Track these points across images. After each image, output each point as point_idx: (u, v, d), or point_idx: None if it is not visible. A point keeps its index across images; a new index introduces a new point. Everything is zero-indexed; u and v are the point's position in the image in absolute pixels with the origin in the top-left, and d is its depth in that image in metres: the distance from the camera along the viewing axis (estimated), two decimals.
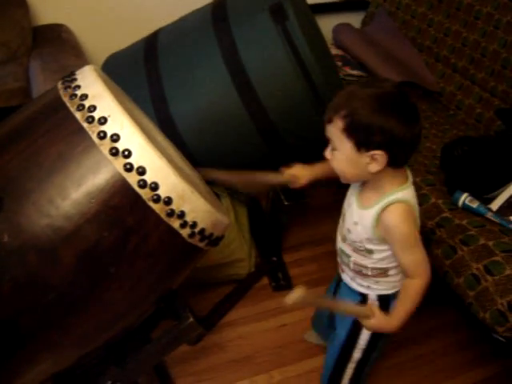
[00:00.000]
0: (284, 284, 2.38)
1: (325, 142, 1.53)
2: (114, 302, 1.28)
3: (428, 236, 1.92)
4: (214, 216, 1.33)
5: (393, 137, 1.26)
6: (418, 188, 2.00)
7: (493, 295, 1.67)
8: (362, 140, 1.29)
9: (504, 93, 2.50)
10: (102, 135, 1.18)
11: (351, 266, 1.53)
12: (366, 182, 1.41)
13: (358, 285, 1.56)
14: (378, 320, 1.45)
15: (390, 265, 1.47)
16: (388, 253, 1.44)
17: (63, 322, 1.26)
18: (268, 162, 2.15)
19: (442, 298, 2.18)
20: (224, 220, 1.39)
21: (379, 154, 1.28)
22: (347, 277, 1.60)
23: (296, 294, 1.34)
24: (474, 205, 1.94)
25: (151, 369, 1.85)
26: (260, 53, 1.84)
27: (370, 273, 1.50)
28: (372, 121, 1.26)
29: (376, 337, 1.58)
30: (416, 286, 1.41)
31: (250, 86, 1.84)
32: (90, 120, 1.19)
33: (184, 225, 1.26)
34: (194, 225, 1.28)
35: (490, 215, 1.92)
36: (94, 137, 1.18)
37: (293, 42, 1.82)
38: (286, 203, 2.14)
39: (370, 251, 1.45)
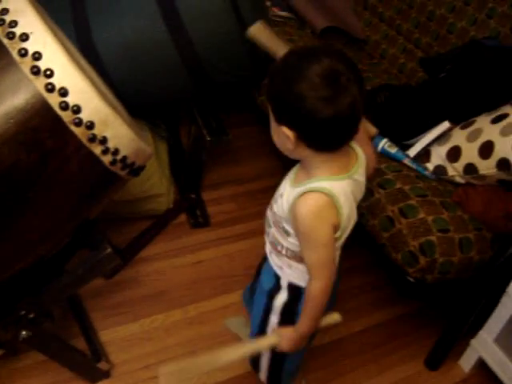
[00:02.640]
0: (202, 221, 2.38)
1: (251, 77, 1.52)
2: (31, 227, 1.25)
3: None
4: (137, 144, 1.30)
5: (300, 113, 1.07)
6: None
7: (406, 237, 1.73)
8: (274, 111, 1.14)
9: (427, 45, 2.54)
10: (23, 52, 1.12)
11: (270, 237, 1.38)
12: (301, 160, 1.25)
13: (273, 261, 1.40)
14: (288, 339, 1.33)
15: None
16: None
17: None
18: (193, 98, 2.13)
19: (355, 240, 2.24)
20: (146, 149, 1.37)
21: (286, 130, 1.11)
22: (267, 249, 1.43)
23: None
24: (393, 150, 1.98)
25: (65, 301, 1.83)
26: None
27: (284, 252, 1.33)
28: (281, 91, 1.09)
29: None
30: (315, 289, 1.25)
31: (176, 16, 1.79)
32: (11, 36, 1.13)
33: (106, 151, 1.23)
34: (116, 152, 1.25)
35: (407, 161, 1.97)
36: (15, 54, 1.12)
37: None
38: (208, 139, 2.12)
39: (287, 232, 1.28)
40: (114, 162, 1.26)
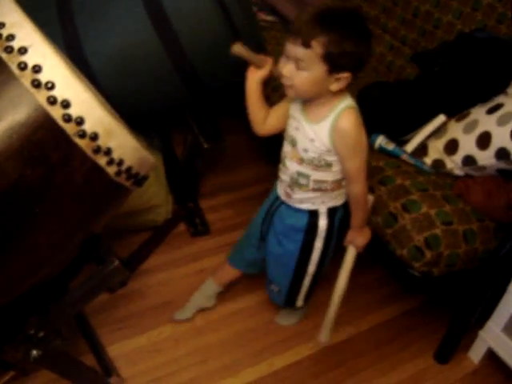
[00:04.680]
0: (201, 229, 2.38)
1: (242, 85, 1.53)
2: (38, 243, 1.23)
3: None
4: (141, 154, 1.29)
5: (361, 60, 1.42)
6: None
7: (410, 232, 1.73)
8: (337, 65, 1.39)
9: (414, 41, 2.56)
10: (23, 66, 1.10)
11: (311, 185, 1.62)
12: (315, 99, 1.50)
13: (309, 203, 1.67)
14: (360, 236, 1.69)
15: None
16: None
17: None
18: (187, 105, 2.12)
19: None
20: (150, 158, 1.36)
21: (347, 75, 1.41)
22: (295, 200, 1.69)
23: None
24: (390, 147, 1.99)
25: (73, 317, 1.81)
26: None
27: (330, 187, 1.62)
28: (349, 49, 1.36)
29: (326, 248, 1.76)
30: (360, 189, 1.57)
31: (167, 23, 1.79)
32: (9, 50, 1.11)
33: (111, 162, 1.21)
34: (121, 162, 1.23)
35: (405, 157, 1.97)
36: (14, 68, 1.10)
37: None
38: (205, 146, 2.11)
39: (329, 164, 1.55)
40: (119, 173, 1.24)
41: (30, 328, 1.46)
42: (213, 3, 1.78)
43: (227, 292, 2.11)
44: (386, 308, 2.17)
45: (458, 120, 1.94)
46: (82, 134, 1.14)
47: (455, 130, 1.92)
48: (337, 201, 1.68)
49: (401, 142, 2.02)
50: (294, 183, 1.65)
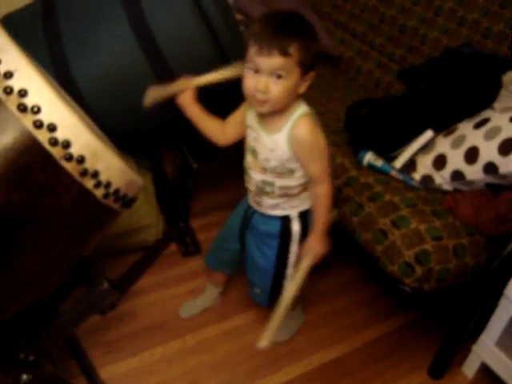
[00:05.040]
0: (193, 249, 2.37)
1: (229, 104, 1.54)
2: (26, 268, 1.22)
3: (335, 195, 1.95)
4: (129, 175, 1.29)
5: (319, 57, 1.49)
6: None
7: (400, 248, 1.74)
8: (308, 67, 1.45)
9: (402, 57, 2.58)
10: (9, 90, 1.10)
11: (277, 192, 1.64)
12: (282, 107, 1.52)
13: (280, 210, 1.69)
14: (318, 242, 1.62)
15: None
16: None
17: None
18: (176, 127, 2.12)
19: (349, 255, 2.25)
20: (138, 180, 1.35)
21: (312, 75, 1.48)
22: (266, 207, 1.71)
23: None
24: (379, 163, 2.00)
25: (64, 340, 1.79)
26: (166, 11, 1.78)
27: (295, 191, 1.64)
28: (315, 48, 1.45)
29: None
30: (325, 189, 1.58)
31: (155, 46, 1.79)
32: None
33: (98, 185, 1.21)
34: (109, 185, 1.23)
35: (394, 173, 1.98)
36: (0, 92, 1.10)
37: (200, 3, 1.78)
38: (194, 166, 2.11)
39: (292, 171, 1.58)
40: (106, 196, 1.24)
41: (21, 352, 1.45)
42: (199, 23, 1.78)
43: (218, 310, 2.11)
44: (379, 324, 2.16)
45: (446, 135, 1.95)
46: (69, 157, 1.14)
47: (443, 145, 1.93)
48: (307, 203, 1.69)
49: (389, 158, 2.02)
50: (261, 191, 1.67)
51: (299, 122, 1.51)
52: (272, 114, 1.51)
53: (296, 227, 1.71)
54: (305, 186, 1.64)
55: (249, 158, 1.65)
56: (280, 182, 1.62)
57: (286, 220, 1.71)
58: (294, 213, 1.70)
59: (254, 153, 1.61)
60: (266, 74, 1.41)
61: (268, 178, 1.62)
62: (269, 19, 1.44)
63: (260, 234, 1.78)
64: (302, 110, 1.52)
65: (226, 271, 2.06)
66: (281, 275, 1.80)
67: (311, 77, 1.48)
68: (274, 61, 1.39)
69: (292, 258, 1.76)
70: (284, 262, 1.77)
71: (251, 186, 1.70)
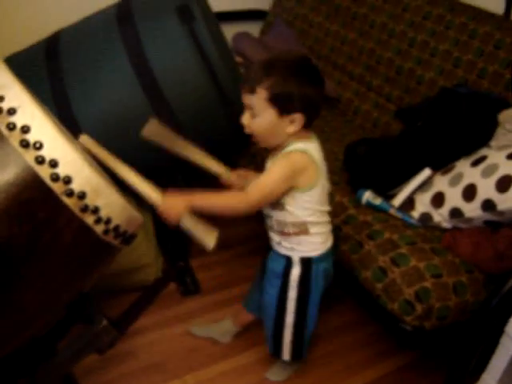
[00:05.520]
0: (192, 288, 2.36)
1: (232, 143, 1.57)
2: (25, 304, 1.22)
3: (335, 233, 1.96)
4: (129, 212, 1.30)
5: (310, 101, 1.50)
6: None
7: (400, 286, 1.74)
8: (285, 107, 1.49)
9: (399, 98, 2.61)
10: (12, 127, 1.12)
11: (275, 226, 1.68)
12: (278, 146, 1.59)
13: (284, 248, 1.70)
14: (174, 200, 1.54)
15: (309, 218, 1.62)
16: (295, 199, 1.58)
17: None
18: (177, 166, 2.13)
19: (348, 295, 2.25)
20: (138, 217, 1.36)
21: (298, 116, 1.50)
22: (274, 242, 1.74)
23: None
24: (377, 202, 2.01)
25: (62, 379, 1.77)
26: (167, 53, 1.82)
27: (291, 230, 1.65)
28: (293, 90, 1.46)
29: (302, 301, 1.74)
30: (237, 196, 1.60)
31: (156, 87, 1.82)
32: None
33: (98, 221, 1.22)
34: (109, 221, 1.24)
35: (392, 211, 1.99)
36: (3, 128, 1.12)
37: (200, 43, 1.82)
38: None
39: (282, 204, 1.60)
40: (106, 232, 1.25)
41: None
42: (200, 65, 1.82)
43: (218, 352, 2.09)
44: (379, 364, 2.14)
45: (444, 173, 1.96)
46: (70, 193, 1.15)
47: (441, 183, 1.95)
48: (309, 251, 1.69)
49: (388, 197, 2.04)
50: (266, 224, 1.73)
51: (285, 153, 1.56)
52: (273, 152, 1.62)
53: (295, 272, 1.71)
54: (302, 228, 1.64)
55: None
56: (275, 216, 1.65)
57: (289, 261, 1.71)
58: (295, 256, 1.70)
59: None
60: (247, 110, 1.54)
61: (267, 209, 1.67)
62: (262, 59, 1.53)
63: (268, 271, 1.79)
64: (294, 147, 1.56)
65: (256, 313, 2.01)
66: (281, 321, 1.79)
67: (299, 118, 1.51)
68: (246, 97, 1.52)
69: (291, 305, 1.75)
70: (283, 306, 1.76)
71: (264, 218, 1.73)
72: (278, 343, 1.84)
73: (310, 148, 1.57)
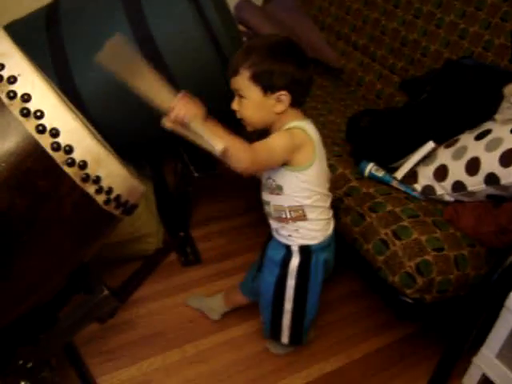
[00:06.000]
0: (193, 259, 2.36)
1: (233, 113, 1.55)
2: (26, 273, 1.22)
3: (336, 205, 1.95)
4: (130, 182, 1.29)
5: (293, 78, 1.49)
6: None
7: (401, 259, 1.73)
8: (267, 84, 1.50)
9: (403, 69, 2.59)
10: (12, 95, 1.10)
11: (272, 212, 1.68)
12: (272, 127, 1.59)
13: (281, 236, 1.71)
14: (188, 102, 1.37)
15: (306, 201, 1.60)
16: (292, 180, 1.57)
17: None
18: (177, 137, 2.12)
19: (349, 266, 2.25)
20: (139, 187, 1.35)
21: (284, 94, 1.51)
22: (273, 230, 1.74)
23: None
24: (380, 174, 1.99)
25: (62, 348, 1.78)
26: (169, 20, 1.79)
27: (288, 215, 1.63)
28: (273, 67, 1.48)
29: (302, 289, 1.73)
30: (245, 145, 1.43)
31: (158, 55, 1.79)
32: None
33: (99, 190, 1.21)
34: (110, 191, 1.23)
35: (395, 183, 1.98)
36: (3, 97, 1.10)
37: (202, 11, 1.79)
38: (196, 175, 2.11)
39: (280, 187, 1.59)
40: (107, 202, 1.24)
41: (19, 359, 1.44)
42: (202, 33, 1.79)
43: (217, 322, 2.10)
44: (378, 336, 2.15)
45: (447, 146, 1.95)
46: (71, 163, 1.14)
47: (444, 156, 1.93)
48: (308, 239, 1.68)
49: (391, 169, 2.02)
50: (265, 211, 1.73)
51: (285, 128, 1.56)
52: (273, 131, 1.59)
53: (295, 261, 1.70)
54: (300, 213, 1.63)
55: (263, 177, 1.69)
56: (274, 201, 1.65)
57: (288, 250, 1.71)
58: (294, 245, 1.69)
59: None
60: (236, 95, 1.57)
61: (265, 195, 1.68)
62: (243, 44, 1.58)
63: (267, 258, 1.78)
64: (292, 124, 1.56)
65: (251, 297, 2.00)
66: (279, 308, 1.79)
67: (285, 96, 1.51)
68: (232, 82, 1.56)
69: (289, 292, 1.74)
70: (282, 294, 1.75)
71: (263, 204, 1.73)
72: (276, 327, 1.85)
73: (308, 127, 1.57)
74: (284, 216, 1.64)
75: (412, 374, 2.03)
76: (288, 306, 1.76)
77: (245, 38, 2.80)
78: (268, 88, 1.50)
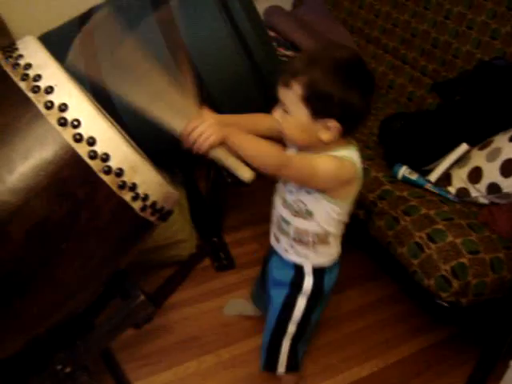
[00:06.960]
0: (226, 264, 2.38)
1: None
2: (65, 280, 1.24)
3: (370, 208, 1.95)
4: (165, 188, 1.31)
5: (352, 109, 1.26)
6: None
7: (437, 262, 1.72)
8: (320, 109, 1.27)
9: (434, 71, 2.57)
10: (50, 105, 1.13)
11: (291, 233, 1.50)
12: (314, 148, 1.36)
13: (295, 254, 1.54)
14: (213, 122, 1.27)
15: (332, 230, 1.47)
16: (327, 210, 1.41)
17: (9, 304, 1.21)
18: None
19: (383, 270, 2.24)
20: (174, 193, 1.37)
21: (334, 124, 1.27)
22: (282, 248, 1.57)
23: None
24: (414, 177, 1.99)
25: (99, 353, 1.81)
26: (201, 29, 1.81)
27: (310, 239, 1.48)
28: (334, 92, 1.24)
29: (310, 310, 1.59)
30: (280, 152, 1.33)
31: (190, 62, 1.81)
32: (36, 90, 1.15)
33: (136, 197, 1.23)
34: (146, 197, 1.25)
35: (429, 186, 1.97)
36: (41, 107, 1.13)
37: (235, 21, 1.80)
38: (228, 180, 2.13)
39: (310, 213, 1.43)
40: (144, 208, 1.26)
41: (57, 363, 1.46)
42: (233, 40, 1.80)
43: (252, 327, 2.10)
44: (414, 340, 2.14)
45: (481, 148, 1.93)
46: (108, 171, 1.16)
47: (478, 158, 1.92)
48: (324, 260, 1.55)
49: (424, 172, 2.01)
50: (279, 227, 1.55)
51: (327, 155, 1.34)
52: (311, 151, 1.38)
53: (308, 283, 1.56)
54: (323, 239, 1.49)
55: (279, 184, 1.53)
56: (296, 223, 1.47)
57: (299, 271, 1.56)
58: (308, 266, 1.55)
59: (283, 181, 1.49)
60: (279, 105, 1.34)
61: (286, 214, 1.49)
62: (309, 50, 1.41)
63: (272, 279, 1.67)
64: (338, 153, 1.34)
65: (262, 310, 1.91)
66: (281, 331, 1.63)
67: (335, 127, 1.28)
68: (280, 91, 1.31)
69: (297, 312, 1.59)
70: (289, 314, 1.60)
71: (274, 217, 1.58)
72: (271, 360, 1.69)
73: (356, 159, 1.37)
74: (306, 240, 1.49)
75: (448, 378, 2.02)
76: (292, 328, 1.61)
77: (274, 44, 2.82)
78: (319, 113, 1.28)
